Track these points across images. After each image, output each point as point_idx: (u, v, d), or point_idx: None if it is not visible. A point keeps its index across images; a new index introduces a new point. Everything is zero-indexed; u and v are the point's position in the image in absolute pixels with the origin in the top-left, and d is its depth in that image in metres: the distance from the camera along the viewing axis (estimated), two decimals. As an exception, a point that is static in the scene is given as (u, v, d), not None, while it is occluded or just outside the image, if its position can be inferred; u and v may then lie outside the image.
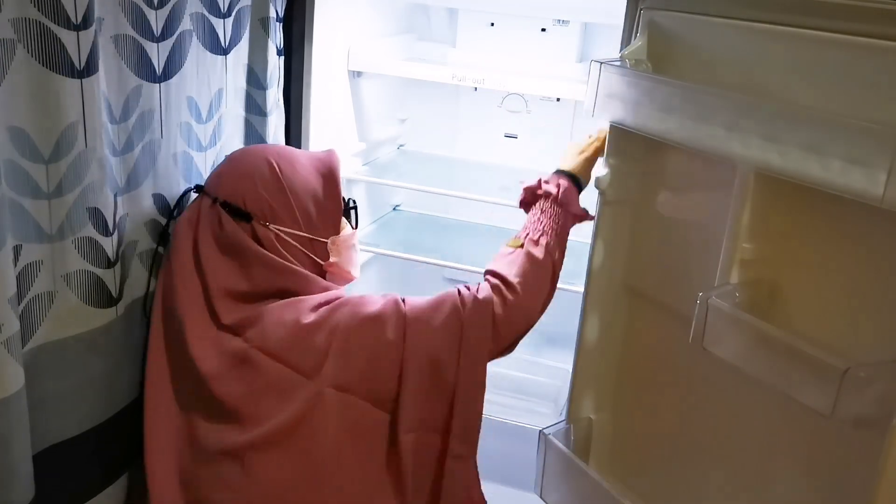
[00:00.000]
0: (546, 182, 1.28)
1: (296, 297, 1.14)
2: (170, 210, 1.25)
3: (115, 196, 1.11)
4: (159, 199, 1.23)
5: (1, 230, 0.92)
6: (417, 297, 1.17)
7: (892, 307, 0.90)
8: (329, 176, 1.22)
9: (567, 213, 1.26)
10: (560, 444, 1.26)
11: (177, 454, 1.15)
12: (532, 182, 1.30)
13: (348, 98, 1.76)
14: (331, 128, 1.66)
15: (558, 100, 1.88)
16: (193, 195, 1.23)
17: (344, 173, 1.75)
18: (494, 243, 1.91)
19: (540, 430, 1.29)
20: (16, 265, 0.99)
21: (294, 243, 1.18)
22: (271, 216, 1.16)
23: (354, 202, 1.28)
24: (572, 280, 1.64)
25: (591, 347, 1.29)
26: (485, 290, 1.17)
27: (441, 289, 2.13)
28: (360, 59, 1.71)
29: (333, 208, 1.22)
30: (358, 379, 1.11)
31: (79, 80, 0.99)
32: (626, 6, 1.15)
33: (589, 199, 1.28)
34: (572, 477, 1.25)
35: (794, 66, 0.96)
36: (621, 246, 1.24)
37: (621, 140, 1.18)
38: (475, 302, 1.15)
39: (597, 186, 1.21)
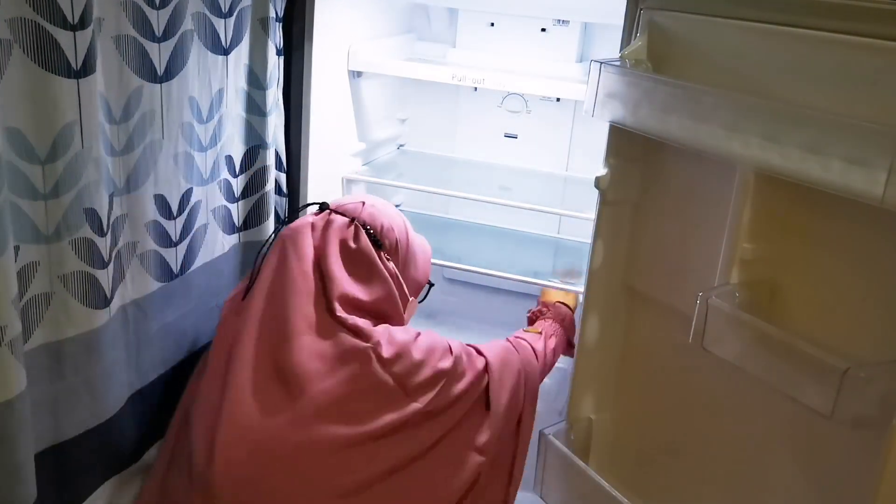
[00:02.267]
0: (548, 310, 1.60)
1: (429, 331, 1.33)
2: (170, 210, 1.25)
3: (111, 197, 1.11)
4: (160, 200, 1.23)
5: (3, 233, 0.91)
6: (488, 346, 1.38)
7: (892, 307, 0.90)
8: (429, 256, 1.46)
9: (566, 339, 1.55)
10: (560, 444, 1.26)
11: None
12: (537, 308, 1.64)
13: (348, 98, 1.75)
14: (331, 128, 1.66)
15: (558, 100, 1.88)
16: (312, 208, 1.38)
17: (344, 173, 1.76)
18: (494, 243, 1.92)
19: (540, 430, 1.29)
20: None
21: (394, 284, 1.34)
22: (393, 255, 1.35)
23: (432, 283, 1.48)
24: (572, 280, 1.64)
25: (591, 347, 1.29)
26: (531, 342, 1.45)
27: (441, 289, 2.12)
28: (360, 59, 1.71)
29: (423, 279, 1.44)
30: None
31: (75, 81, 0.99)
32: (626, 6, 1.15)
33: (589, 198, 1.28)
34: (572, 477, 1.25)
35: (794, 66, 0.96)
36: (621, 246, 1.24)
37: (621, 140, 1.18)
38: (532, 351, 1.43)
39: (597, 186, 1.21)
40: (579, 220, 1.61)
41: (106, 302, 1.12)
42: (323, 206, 1.36)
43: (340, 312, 1.24)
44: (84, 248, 1.07)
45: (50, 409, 1.09)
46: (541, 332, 1.49)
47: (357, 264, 1.30)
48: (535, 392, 1.39)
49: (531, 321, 1.61)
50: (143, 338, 1.24)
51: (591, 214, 1.26)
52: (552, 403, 1.75)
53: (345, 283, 1.27)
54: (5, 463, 0.97)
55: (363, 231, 1.31)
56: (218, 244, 1.41)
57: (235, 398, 1.19)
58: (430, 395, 1.23)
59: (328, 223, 1.32)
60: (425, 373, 1.24)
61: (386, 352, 1.22)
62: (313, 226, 1.32)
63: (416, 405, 1.22)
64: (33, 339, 1.05)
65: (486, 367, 1.32)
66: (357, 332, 1.24)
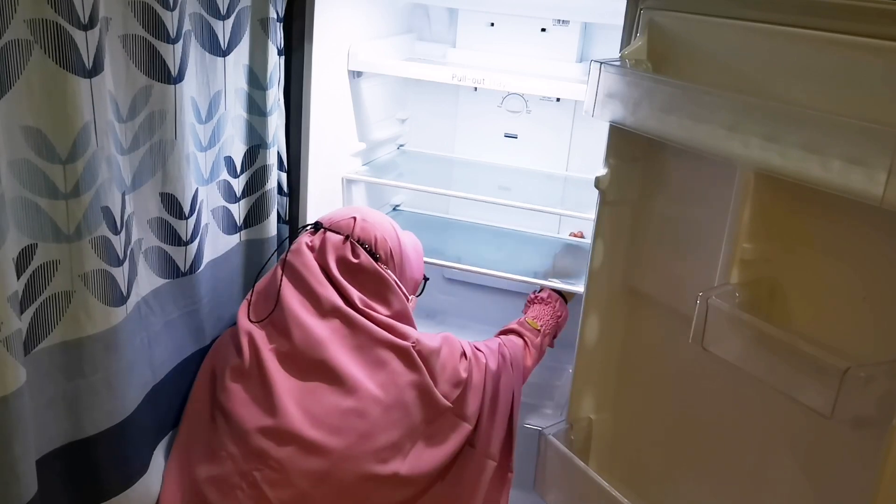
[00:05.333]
0: (549, 298, 1.62)
1: (446, 335, 1.41)
2: (181, 210, 1.25)
3: (123, 195, 1.12)
4: (168, 199, 1.23)
5: (0, 229, 0.91)
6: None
7: (891, 307, 0.90)
8: (421, 253, 1.53)
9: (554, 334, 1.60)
10: (560, 444, 1.26)
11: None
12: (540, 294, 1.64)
13: (348, 98, 1.75)
14: (331, 128, 1.66)
15: (558, 100, 1.88)
16: (307, 229, 1.42)
17: (344, 173, 1.76)
18: (494, 243, 1.92)
19: (540, 430, 1.30)
20: (30, 264, 1.00)
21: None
22: (389, 264, 1.40)
23: (428, 278, 1.54)
24: (572, 280, 1.64)
25: (591, 347, 1.29)
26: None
27: (441, 289, 2.12)
28: (360, 59, 1.71)
29: (419, 277, 1.50)
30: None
31: (89, 80, 1.00)
32: (626, 6, 1.15)
33: (589, 198, 1.28)
34: (572, 477, 1.25)
35: (793, 66, 0.96)
36: (621, 246, 1.24)
37: (621, 140, 1.18)
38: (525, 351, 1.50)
39: (597, 186, 1.21)
40: (579, 221, 1.61)
41: (123, 299, 1.13)
42: (317, 226, 1.40)
43: (363, 308, 1.32)
44: (101, 246, 1.07)
45: (69, 406, 1.09)
46: (540, 329, 1.54)
47: (363, 280, 1.35)
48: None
49: (531, 302, 1.64)
50: (152, 334, 1.25)
51: (591, 214, 1.26)
52: (552, 403, 1.76)
53: (355, 296, 1.33)
54: (1, 460, 0.97)
55: (360, 248, 1.36)
56: (220, 244, 1.42)
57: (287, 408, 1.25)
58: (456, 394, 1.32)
59: (323, 241, 1.37)
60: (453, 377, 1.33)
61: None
62: (311, 247, 1.37)
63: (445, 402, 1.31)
64: (52, 337, 1.05)
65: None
66: (390, 328, 1.32)
